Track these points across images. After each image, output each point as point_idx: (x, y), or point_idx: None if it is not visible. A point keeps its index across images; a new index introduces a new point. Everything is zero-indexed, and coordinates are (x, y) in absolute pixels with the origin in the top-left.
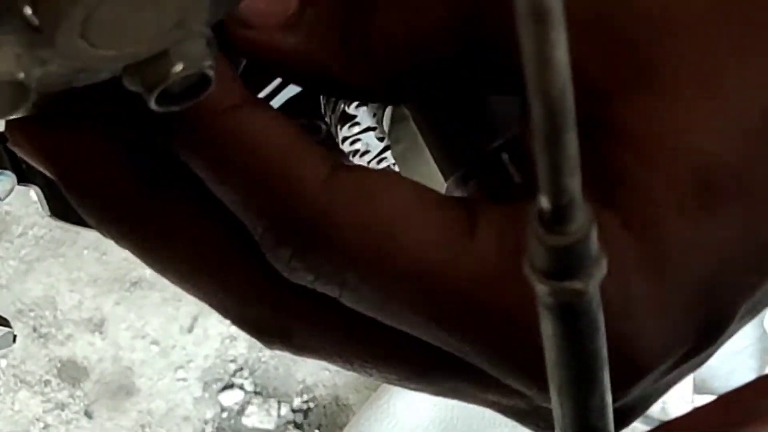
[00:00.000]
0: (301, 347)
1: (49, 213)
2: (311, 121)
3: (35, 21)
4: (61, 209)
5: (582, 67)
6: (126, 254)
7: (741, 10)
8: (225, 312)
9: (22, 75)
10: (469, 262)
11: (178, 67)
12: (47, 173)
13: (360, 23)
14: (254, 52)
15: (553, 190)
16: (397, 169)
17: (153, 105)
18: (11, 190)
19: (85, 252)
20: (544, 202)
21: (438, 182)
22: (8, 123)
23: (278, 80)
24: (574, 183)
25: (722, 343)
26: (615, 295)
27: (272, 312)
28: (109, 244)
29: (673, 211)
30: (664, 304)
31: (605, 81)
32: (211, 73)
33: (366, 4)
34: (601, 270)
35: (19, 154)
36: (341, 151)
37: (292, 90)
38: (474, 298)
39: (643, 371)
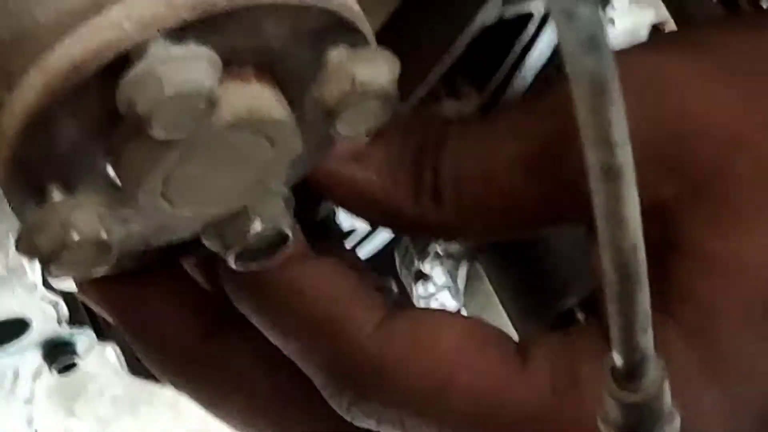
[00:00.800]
0: None
1: (127, 369)
2: (379, 280)
3: (117, 181)
4: (138, 366)
5: (653, 186)
6: (202, 412)
7: None
8: None
9: (104, 234)
10: (522, 399)
11: (257, 227)
12: (113, 323)
13: (431, 159)
14: (327, 185)
15: (626, 347)
16: None
17: (232, 263)
18: (90, 348)
19: (161, 411)
20: (617, 358)
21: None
22: None
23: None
24: (647, 340)
25: None
26: (682, 410)
27: None
28: (185, 403)
29: (737, 326)
30: (731, 418)
31: (675, 199)
32: (288, 231)
33: (436, 138)
34: (675, 425)
35: (86, 302)
36: (408, 299)
37: (368, 249)
38: (526, 428)
39: None
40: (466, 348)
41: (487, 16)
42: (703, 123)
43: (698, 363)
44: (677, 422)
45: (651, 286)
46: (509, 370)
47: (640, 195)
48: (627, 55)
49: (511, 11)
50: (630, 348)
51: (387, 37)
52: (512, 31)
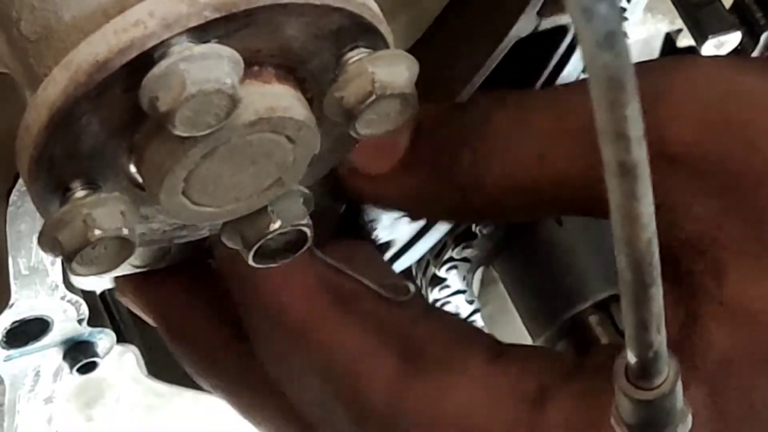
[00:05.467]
0: None
1: (146, 373)
2: (398, 282)
3: (139, 179)
4: (157, 369)
5: (698, 220)
6: (219, 418)
7: None
8: None
9: (126, 231)
10: None
11: (276, 225)
12: (150, 322)
13: (465, 158)
14: (380, 200)
15: (639, 344)
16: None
17: (251, 261)
18: (111, 348)
19: (178, 418)
20: (630, 356)
21: (526, 343)
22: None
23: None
24: (660, 338)
25: None
26: None
27: None
28: (203, 411)
29: (747, 374)
30: None
31: (721, 240)
32: (308, 230)
33: (455, 139)
34: (687, 424)
35: (125, 303)
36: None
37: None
38: None
39: None
40: (478, 405)
41: (522, 28)
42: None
43: (709, 409)
44: (689, 420)
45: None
46: (525, 419)
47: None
48: (722, 66)
49: (546, 24)
50: (644, 346)
51: (424, 50)
52: (548, 43)
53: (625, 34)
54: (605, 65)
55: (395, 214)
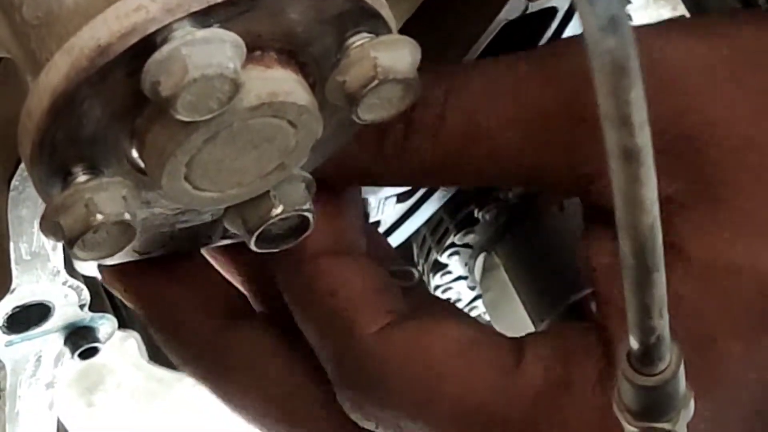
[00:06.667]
0: None
1: (147, 358)
2: (403, 268)
3: (141, 164)
4: (158, 355)
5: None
6: (219, 406)
7: None
8: None
9: (127, 216)
10: (511, 401)
11: (278, 210)
12: (136, 310)
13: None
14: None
15: (642, 329)
16: (487, 317)
17: (252, 246)
18: (112, 334)
19: (179, 404)
20: (633, 341)
21: (528, 329)
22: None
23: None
24: (663, 323)
25: None
26: None
27: None
28: (203, 397)
29: (727, 332)
30: (718, 420)
31: (673, 196)
32: (309, 216)
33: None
34: (689, 410)
35: (111, 290)
36: (430, 296)
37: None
38: (516, 429)
39: None
40: (462, 350)
41: (511, 11)
42: (713, 123)
43: (689, 370)
44: (692, 406)
45: None
46: (500, 374)
47: None
48: (643, 35)
49: (535, 6)
50: (646, 331)
51: (412, 32)
52: (536, 26)
53: (628, 18)
54: (608, 50)
55: (382, 195)
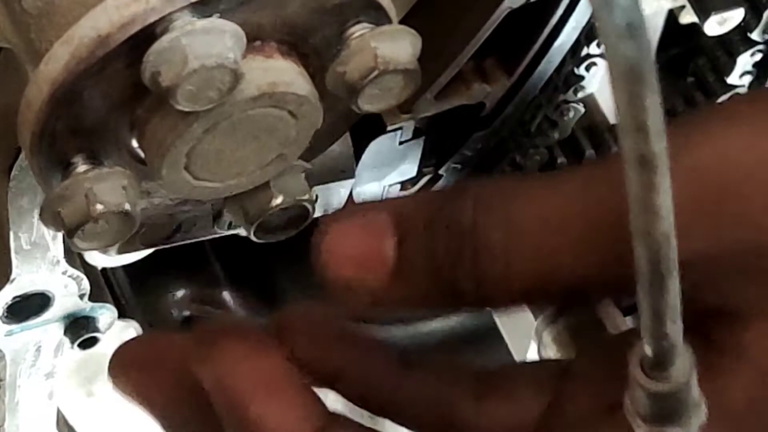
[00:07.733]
0: None
1: None
2: None
3: (141, 154)
4: None
5: (715, 282)
6: None
7: None
8: None
9: (127, 206)
10: None
11: (278, 200)
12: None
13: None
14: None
15: (655, 336)
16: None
17: (252, 236)
18: (111, 324)
19: None
20: (646, 347)
21: (529, 321)
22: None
23: None
24: (676, 329)
25: None
26: None
27: None
28: None
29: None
30: None
31: (738, 301)
32: (309, 206)
33: (470, 241)
34: (701, 416)
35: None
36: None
37: None
38: None
39: None
40: None
41: None
42: None
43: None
44: (704, 412)
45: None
46: None
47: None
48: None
49: None
50: (659, 337)
51: (416, 20)
52: (540, 14)
53: (645, 24)
54: (626, 56)
55: (386, 182)
